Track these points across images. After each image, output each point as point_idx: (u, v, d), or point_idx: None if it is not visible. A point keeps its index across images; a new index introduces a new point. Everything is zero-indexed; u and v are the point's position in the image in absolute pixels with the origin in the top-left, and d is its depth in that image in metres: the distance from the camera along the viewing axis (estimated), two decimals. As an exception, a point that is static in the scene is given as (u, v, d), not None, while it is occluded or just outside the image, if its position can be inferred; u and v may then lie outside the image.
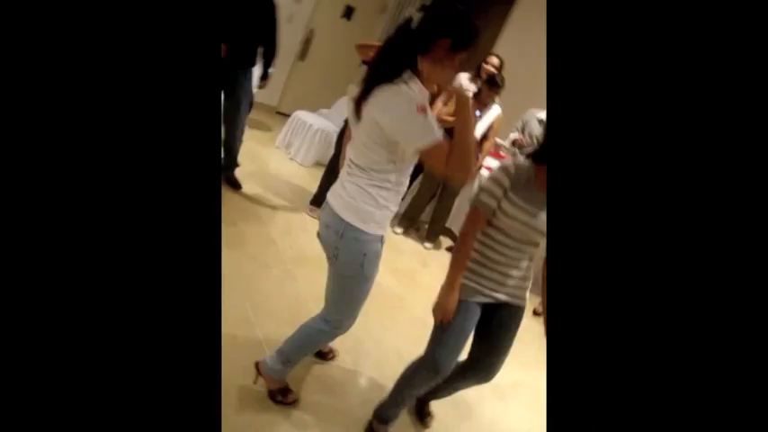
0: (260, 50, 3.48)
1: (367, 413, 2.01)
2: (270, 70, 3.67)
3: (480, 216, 1.68)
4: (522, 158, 1.68)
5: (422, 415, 2.16)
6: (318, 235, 1.71)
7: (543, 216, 1.62)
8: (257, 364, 1.89)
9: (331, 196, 1.65)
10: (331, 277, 1.73)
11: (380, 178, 1.53)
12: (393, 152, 1.49)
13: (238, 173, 3.72)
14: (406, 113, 1.39)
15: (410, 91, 1.41)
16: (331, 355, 2.29)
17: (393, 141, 1.46)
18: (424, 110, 1.39)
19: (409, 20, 1.48)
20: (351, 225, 1.55)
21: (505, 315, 1.78)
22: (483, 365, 1.82)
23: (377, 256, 1.63)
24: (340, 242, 1.58)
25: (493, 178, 1.67)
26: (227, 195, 3.52)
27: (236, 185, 3.65)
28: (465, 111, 1.47)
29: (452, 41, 1.43)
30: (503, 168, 1.67)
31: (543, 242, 1.70)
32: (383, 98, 1.42)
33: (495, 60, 3.96)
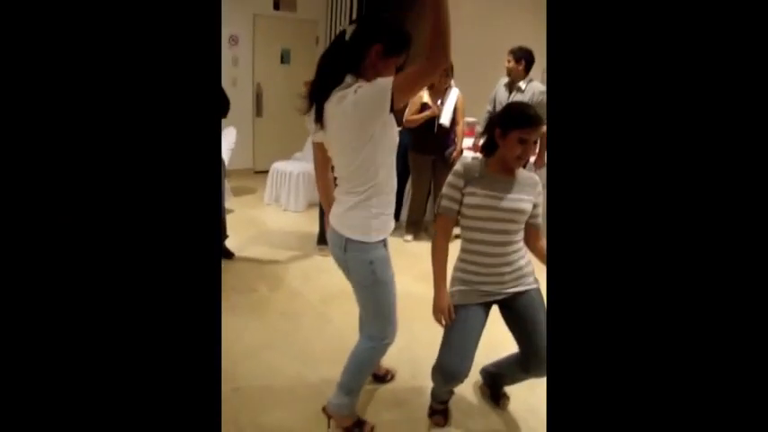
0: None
1: (442, 415, 2.04)
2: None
3: (446, 220, 1.82)
4: (469, 159, 1.85)
5: (497, 398, 2.20)
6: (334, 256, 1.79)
7: (508, 197, 1.74)
8: (324, 409, 1.93)
9: (332, 217, 1.73)
10: (355, 294, 1.79)
11: (368, 184, 1.59)
12: (370, 148, 1.53)
13: (232, 243, 3.76)
14: (358, 95, 1.46)
15: (356, 87, 1.50)
16: (389, 377, 2.33)
17: (367, 134, 1.50)
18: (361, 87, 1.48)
19: (343, 32, 1.58)
20: (351, 239, 1.64)
21: (522, 303, 1.84)
22: (530, 357, 1.84)
23: (384, 259, 1.70)
24: (345, 256, 1.67)
25: (448, 184, 1.81)
26: (239, 264, 3.58)
27: (228, 255, 3.65)
28: None
29: (384, 47, 1.53)
30: (454, 172, 1.81)
31: (520, 222, 1.78)
32: (335, 105, 1.52)
33: None
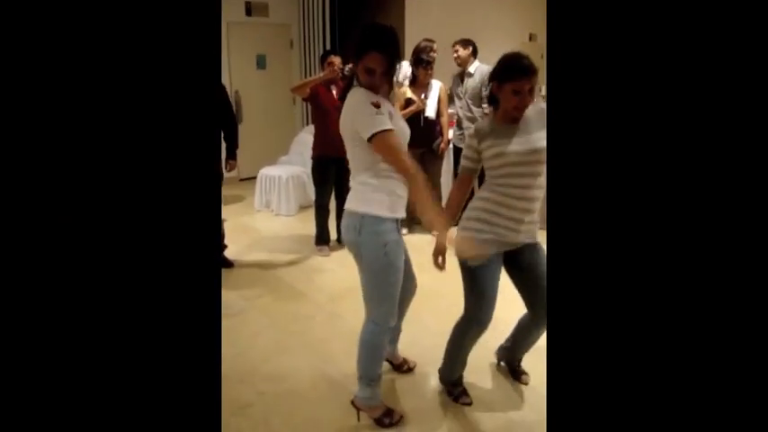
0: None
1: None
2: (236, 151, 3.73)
3: (463, 177, 1.95)
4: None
5: (516, 374, 2.29)
6: (342, 242, 1.91)
7: (521, 140, 1.79)
8: (353, 402, 1.99)
9: (347, 202, 1.84)
10: (361, 277, 1.86)
11: (376, 169, 1.75)
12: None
13: (229, 252, 3.78)
14: (362, 107, 1.68)
15: (365, 91, 1.72)
16: (406, 367, 2.38)
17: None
18: (378, 105, 1.67)
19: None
20: (367, 215, 1.75)
21: (527, 256, 1.95)
22: (540, 308, 1.96)
23: (398, 243, 1.79)
24: (360, 238, 1.76)
25: (466, 146, 1.93)
26: (241, 271, 3.59)
27: (228, 264, 3.67)
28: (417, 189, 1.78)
29: (354, 57, 1.74)
30: (468, 135, 1.92)
31: (540, 168, 1.81)
32: (346, 104, 1.76)
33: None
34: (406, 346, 2.47)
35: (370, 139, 1.66)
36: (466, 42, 4.09)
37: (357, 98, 1.71)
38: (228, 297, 3.18)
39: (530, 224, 1.89)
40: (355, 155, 1.78)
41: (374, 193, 1.75)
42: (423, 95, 4.02)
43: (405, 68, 4.11)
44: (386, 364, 2.22)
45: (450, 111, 4.50)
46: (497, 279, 1.93)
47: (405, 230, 4.38)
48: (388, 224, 1.76)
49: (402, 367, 2.38)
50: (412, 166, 1.73)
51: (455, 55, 4.11)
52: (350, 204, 1.81)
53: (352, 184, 1.83)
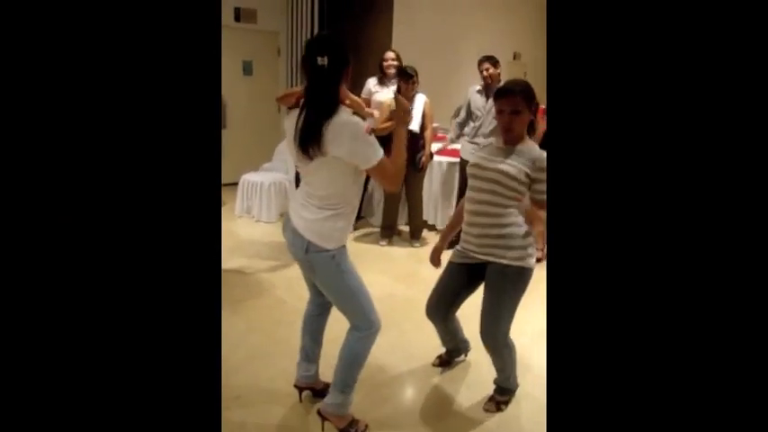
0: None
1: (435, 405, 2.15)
2: None
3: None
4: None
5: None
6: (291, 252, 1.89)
7: (496, 160, 1.94)
8: (319, 412, 1.98)
9: (294, 216, 1.83)
10: (323, 290, 1.89)
11: (342, 203, 1.76)
12: (353, 175, 1.74)
13: None
14: (359, 137, 1.65)
15: (352, 117, 1.68)
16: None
17: (353, 165, 1.70)
18: (369, 131, 1.68)
19: (319, 67, 1.67)
20: (313, 243, 1.76)
21: (488, 274, 2.02)
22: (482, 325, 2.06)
23: (343, 250, 1.82)
24: (308, 256, 1.78)
25: None
26: (225, 278, 3.55)
27: None
28: (402, 139, 1.77)
29: (350, 67, 1.72)
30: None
31: (504, 185, 1.91)
32: (334, 133, 1.63)
33: (391, 55, 4.22)
34: (389, 354, 2.51)
35: (367, 170, 1.70)
36: (495, 60, 4.04)
37: (348, 124, 1.65)
38: (208, 301, 3.18)
39: (487, 239, 1.96)
40: (324, 177, 1.73)
41: (330, 230, 1.76)
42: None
43: (370, 85, 4.20)
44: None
45: (435, 125, 4.57)
46: (441, 284, 2.21)
47: (384, 242, 4.46)
48: (331, 250, 1.78)
49: (323, 393, 2.15)
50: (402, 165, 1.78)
51: (485, 74, 4.02)
52: (298, 224, 1.78)
53: (305, 203, 1.79)
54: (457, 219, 2.19)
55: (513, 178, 1.88)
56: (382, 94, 4.12)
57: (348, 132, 1.64)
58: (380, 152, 1.68)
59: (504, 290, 1.97)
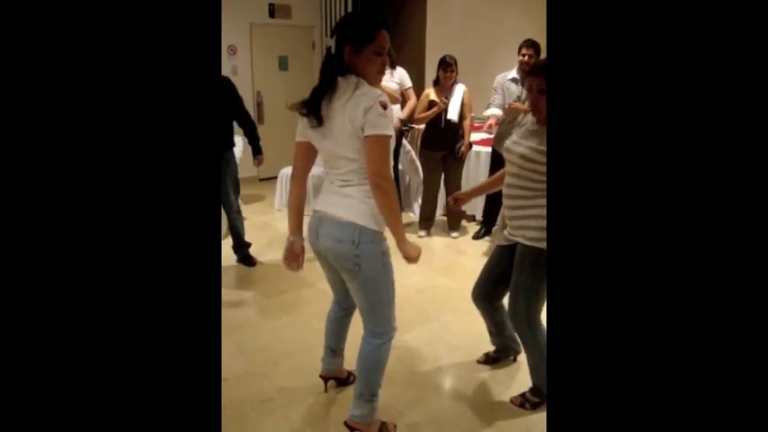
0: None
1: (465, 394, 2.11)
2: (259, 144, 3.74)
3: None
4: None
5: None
6: (319, 254, 1.82)
7: (515, 140, 1.95)
8: (346, 423, 1.90)
9: (332, 208, 1.71)
10: (358, 291, 1.75)
11: (364, 173, 1.65)
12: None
13: (254, 251, 3.82)
14: (371, 103, 1.56)
15: (368, 88, 1.60)
16: (352, 378, 2.26)
17: (360, 131, 1.59)
18: (384, 106, 1.57)
19: (329, 48, 1.68)
20: (366, 228, 1.66)
21: (516, 254, 1.99)
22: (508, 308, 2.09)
23: (388, 252, 1.74)
24: (358, 249, 1.66)
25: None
26: (262, 269, 3.63)
27: (251, 263, 3.73)
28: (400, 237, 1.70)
29: (352, 45, 1.62)
30: None
31: (523, 167, 1.89)
32: (341, 109, 1.59)
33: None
34: (428, 346, 2.48)
35: (367, 136, 1.57)
36: (538, 47, 3.75)
37: (368, 93, 1.58)
38: (250, 294, 3.22)
39: (516, 220, 1.95)
40: (344, 141, 1.63)
41: (373, 210, 1.66)
42: (444, 97, 4.03)
43: (386, 81, 4.04)
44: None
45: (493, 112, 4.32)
46: (487, 265, 2.21)
47: (423, 233, 4.41)
48: (380, 233, 1.71)
49: (348, 381, 2.26)
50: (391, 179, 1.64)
51: (525, 59, 3.74)
52: (343, 213, 1.68)
53: (338, 188, 1.71)
54: (489, 182, 2.31)
55: (532, 161, 1.83)
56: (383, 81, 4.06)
57: (367, 98, 1.56)
58: (387, 130, 1.58)
59: (523, 270, 1.94)
